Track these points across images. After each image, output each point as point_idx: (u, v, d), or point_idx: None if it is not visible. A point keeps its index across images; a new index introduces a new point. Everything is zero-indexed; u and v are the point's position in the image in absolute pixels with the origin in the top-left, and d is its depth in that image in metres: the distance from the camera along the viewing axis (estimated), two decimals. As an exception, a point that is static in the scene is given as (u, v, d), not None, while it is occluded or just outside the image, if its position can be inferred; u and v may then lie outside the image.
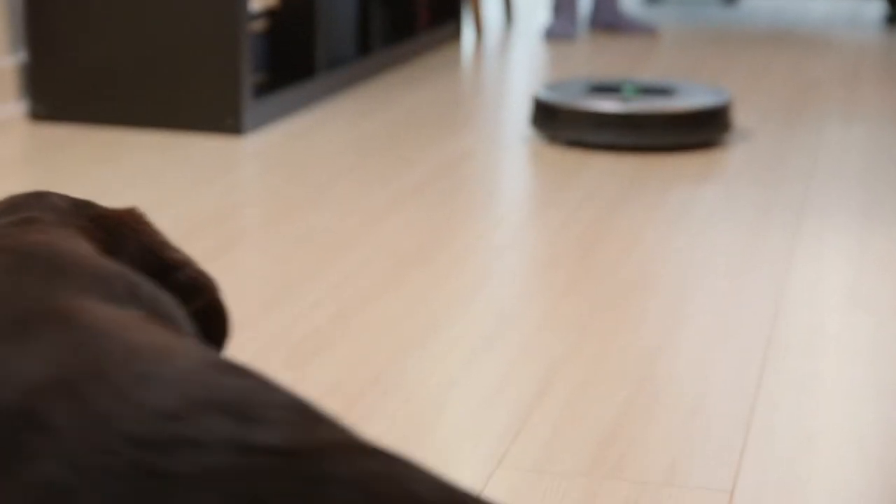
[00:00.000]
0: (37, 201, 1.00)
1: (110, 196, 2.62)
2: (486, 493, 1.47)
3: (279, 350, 1.88)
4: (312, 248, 2.32)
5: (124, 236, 1.00)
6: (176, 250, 1.03)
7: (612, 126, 3.07)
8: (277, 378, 1.78)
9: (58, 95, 3.22)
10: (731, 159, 3.07)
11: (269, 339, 1.92)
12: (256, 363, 1.83)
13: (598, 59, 4.38)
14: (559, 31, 4.71)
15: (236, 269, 2.21)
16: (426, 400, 1.72)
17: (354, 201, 2.61)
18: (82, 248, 0.92)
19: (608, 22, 4.89)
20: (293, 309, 2.04)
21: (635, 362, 1.84)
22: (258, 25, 3.48)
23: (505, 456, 1.57)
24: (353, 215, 2.51)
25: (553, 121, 3.12)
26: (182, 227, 2.43)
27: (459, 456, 1.57)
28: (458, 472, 1.53)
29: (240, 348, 1.88)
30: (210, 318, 1.00)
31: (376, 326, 1.97)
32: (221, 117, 3.15)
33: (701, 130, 3.11)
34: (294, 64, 3.58)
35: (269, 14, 3.55)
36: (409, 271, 2.21)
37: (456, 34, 4.65)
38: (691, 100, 3.17)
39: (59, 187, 2.67)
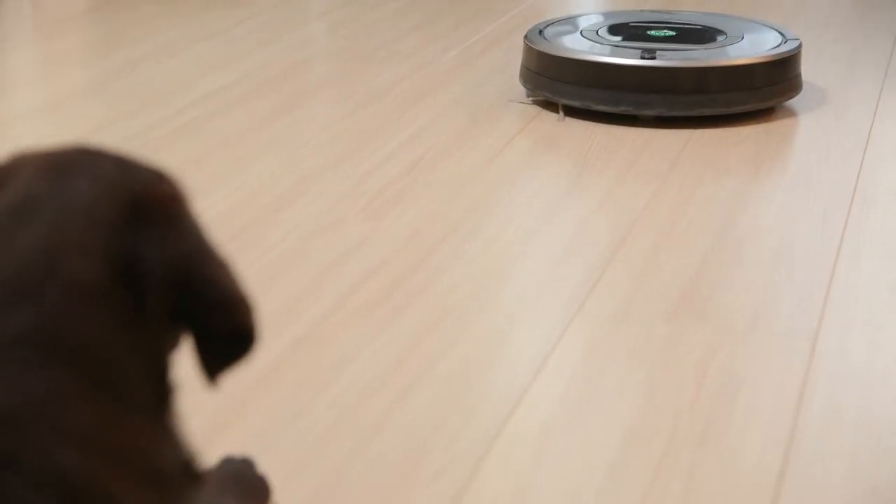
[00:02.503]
0: (50, 193, 0.91)
1: (176, 53, 2.61)
2: (565, 342, 1.47)
3: (355, 202, 1.88)
4: (383, 102, 2.31)
5: (149, 239, 0.92)
6: (212, 259, 0.95)
7: (633, 87, 2.20)
8: (355, 230, 1.78)
9: (120, -45, 3.16)
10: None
11: (344, 192, 1.91)
12: (333, 215, 1.83)
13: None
14: None
15: (307, 123, 2.20)
16: (504, 250, 1.72)
17: (423, 58, 2.58)
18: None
19: None
20: (366, 163, 2.03)
21: (717, 212, 1.83)
22: None
23: (584, 304, 1.56)
24: (423, 71, 2.49)
25: (548, 78, 2.26)
26: (250, 83, 2.42)
27: (538, 305, 1.57)
28: (537, 321, 1.53)
29: (315, 199, 1.88)
30: (233, 340, 0.95)
31: (452, 179, 1.96)
32: (285, -24, 3.08)
33: (757, 92, 2.22)
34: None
35: None
36: (482, 126, 2.19)
37: None
38: (743, 48, 2.28)
39: (123, 45, 2.66)
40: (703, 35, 2.38)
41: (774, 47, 2.28)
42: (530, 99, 2.31)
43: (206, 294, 0.93)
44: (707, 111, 2.20)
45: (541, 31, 2.39)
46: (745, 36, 2.35)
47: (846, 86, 2.40)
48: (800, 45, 2.30)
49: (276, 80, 2.44)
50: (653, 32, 2.38)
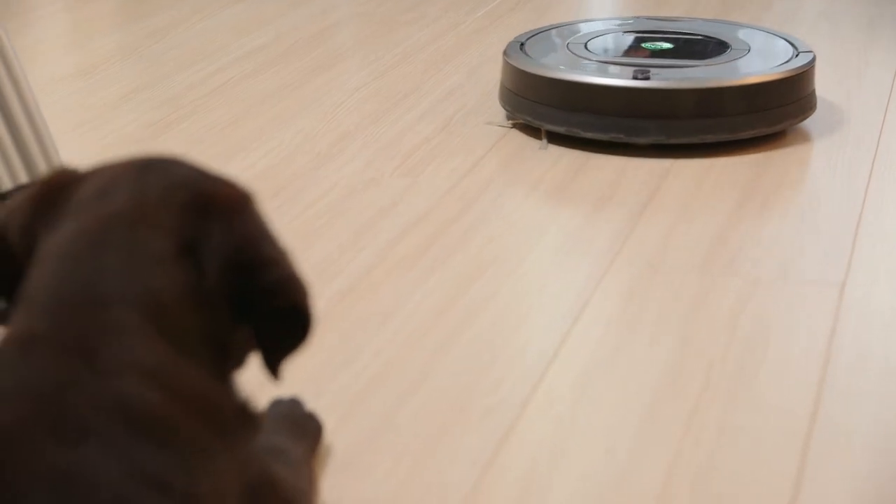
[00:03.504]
0: (132, 182, 0.99)
1: (207, 16, 2.66)
2: (601, 292, 1.53)
3: (392, 159, 1.93)
4: (414, 63, 2.36)
5: (215, 226, 0.98)
6: (273, 244, 1.01)
7: (624, 111, 1.94)
8: (393, 186, 1.83)
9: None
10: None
11: (380, 150, 1.96)
12: (371, 172, 1.88)
13: None
14: None
15: (341, 84, 2.25)
16: (536, 203, 1.77)
17: (451, 19, 2.63)
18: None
19: None
20: (401, 121, 2.08)
21: (745, 168, 1.88)
22: None
23: (617, 256, 1.61)
24: (452, 32, 2.54)
25: (529, 100, 2.01)
26: (282, 45, 2.47)
27: (571, 258, 1.62)
28: (572, 272, 1.58)
29: (352, 157, 1.93)
30: (291, 321, 1.01)
31: (485, 136, 2.01)
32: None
33: (766, 115, 1.96)
34: None
35: None
36: (511, 85, 2.24)
37: None
38: (750, 63, 2.02)
39: (155, 10, 2.71)
40: (703, 48, 2.10)
41: (785, 62, 2.01)
42: (510, 122, 2.06)
43: (265, 275, 0.99)
44: (710, 137, 1.93)
45: (521, 45, 2.11)
46: (751, 48, 2.08)
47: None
48: (814, 59, 2.03)
49: (307, 41, 2.49)
50: (647, 45, 2.11)
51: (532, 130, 2.01)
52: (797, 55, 2.04)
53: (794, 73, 1.98)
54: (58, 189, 0.99)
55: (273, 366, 1.02)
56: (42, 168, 1.43)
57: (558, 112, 1.96)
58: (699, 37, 2.14)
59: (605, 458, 1.22)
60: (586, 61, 2.03)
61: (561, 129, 1.96)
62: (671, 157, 1.90)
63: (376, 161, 1.92)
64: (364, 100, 2.18)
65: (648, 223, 1.70)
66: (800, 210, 1.74)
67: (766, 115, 1.95)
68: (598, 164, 1.90)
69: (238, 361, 1.02)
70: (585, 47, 2.10)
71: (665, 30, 2.18)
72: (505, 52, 2.07)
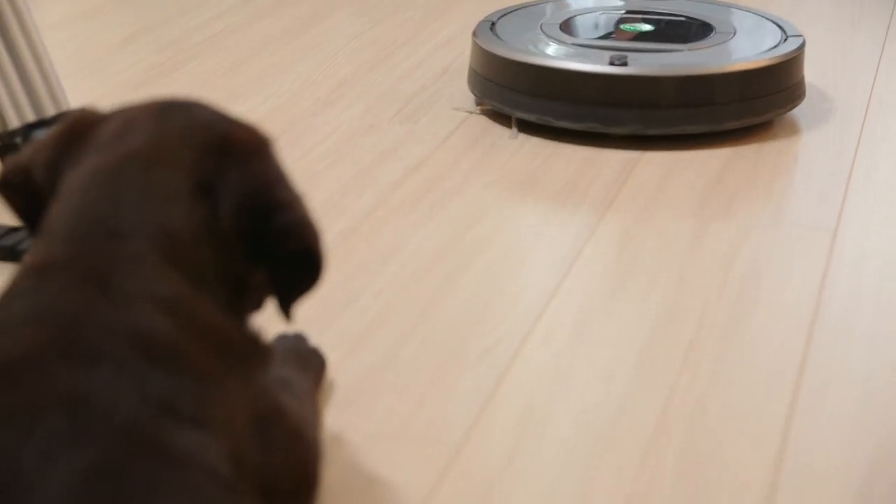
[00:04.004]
0: (153, 122, 1.02)
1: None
2: (598, 235, 1.55)
3: (390, 106, 1.95)
4: (411, 12, 2.38)
5: (232, 166, 1.01)
6: (288, 188, 1.03)
7: (600, 99, 1.81)
8: (392, 132, 1.86)
9: None
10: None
11: (379, 96, 1.99)
12: (370, 118, 1.91)
13: None
14: None
15: (338, 31, 2.27)
16: (536, 149, 1.79)
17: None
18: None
19: None
20: (399, 69, 2.10)
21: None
22: None
23: (615, 200, 1.64)
24: (448, -19, 2.56)
25: (498, 85, 1.88)
26: (282, -8, 2.49)
27: (570, 201, 1.65)
28: (570, 215, 1.61)
29: (352, 103, 1.96)
30: (303, 265, 1.03)
31: (481, 84, 2.04)
32: None
33: (752, 105, 1.83)
34: None
35: None
36: (508, 33, 2.26)
37: None
38: (735, 48, 1.89)
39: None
40: (686, 30, 1.96)
41: (773, 47, 1.88)
42: (478, 108, 1.94)
43: (278, 218, 1.01)
44: (691, 128, 1.81)
45: (492, 25, 1.98)
46: (736, 31, 1.94)
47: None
48: (803, 44, 1.90)
49: (305, -11, 2.51)
50: (626, 27, 1.97)
51: (502, 117, 1.91)
52: (786, 40, 1.91)
53: (782, 60, 1.85)
54: (82, 128, 1.02)
55: (285, 307, 1.05)
56: (49, 109, 1.45)
57: (529, 99, 1.83)
58: (682, 18, 2.00)
59: (602, 395, 1.25)
60: (560, 44, 1.90)
61: (532, 118, 1.84)
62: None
63: (375, 107, 1.94)
64: (362, 47, 2.20)
65: (643, 170, 1.73)
66: (792, 158, 1.77)
67: (752, 105, 1.82)
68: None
69: (253, 303, 1.05)
70: (560, 28, 1.96)
71: (646, 10, 2.04)
72: (474, 33, 1.94)
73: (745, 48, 1.88)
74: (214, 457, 0.85)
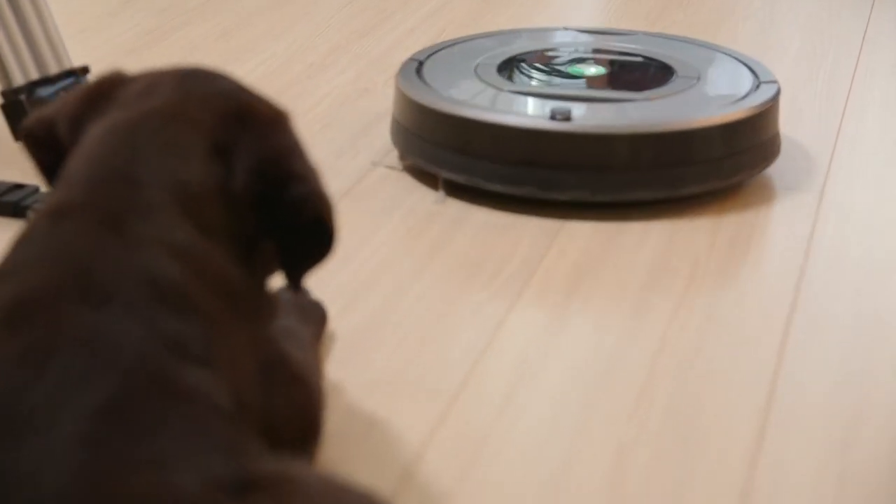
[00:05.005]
0: (176, 85, 1.05)
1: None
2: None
3: (384, 71, 1.98)
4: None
5: (249, 135, 1.04)
6: (303, 160, 1.06)
7: (539, 159, 1.54)
8: (385, 96, 1.88)
9: None
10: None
11: (371, 62, 2.01)
12: (363, 83, 1.93)
13: None
14: None
15: (328, 0, 2.30)
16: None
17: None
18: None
19: None
20: (390, 36, 2.13)
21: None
22: None
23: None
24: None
25: (423, 140, 1.60)
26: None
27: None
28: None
29: (344, 69, 1.98)
30: (315, 236, 1.06)
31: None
32: None
33: (718, 166, 1.56)
34: None
35: None
36: (498, 2, 2.28)
37: None
38: (699, 99, 1.61)
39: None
40: (642, 74, 1.69)
41: (743, 97, 1.61)
42: (401, 164, 1.67)
43: (291, 188, 1.04)
44: (644, 194, 1.54)
45: (419, 66, 1.69)
46: (700, 76, 1.66)
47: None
48: (778, 92, 1.64)
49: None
50: (574, 69, 1.69)
51: (428, 177, 1.63)
52: (758, 87, 1.64)
53: (753, 113, 1.58)
54: (108, 87, 1.06)
55: (295, 277, 1.08)
56: (52, 67, 1.47)
57: (457, 157, 1.54)
58: (639, 59, 1.73)
59: (594, 345, 1.28)
60: (496, 91, 1.62)
61: (460, 179, 1.57)
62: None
63: (368, 72, 1.97)
64: (354, 14, 2.22)
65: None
66: (781, 120, 1.80)
67: (717, 166, 1.56)
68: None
69: (262, 270, 1.07)
70: (497, 71, 1.68)
71: (598, 48, 1.77)
72: (398, 75, 1.67)
73: (710, 98, 1.61)
74: (219, 395, 0.88)
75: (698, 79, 1.66)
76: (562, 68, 1.70)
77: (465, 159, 1.55)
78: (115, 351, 0.84)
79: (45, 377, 0.81)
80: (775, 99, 1.62)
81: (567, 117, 1.53)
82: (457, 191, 1.59)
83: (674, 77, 1.66)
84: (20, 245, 0.94)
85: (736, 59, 1.73)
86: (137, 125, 1.01)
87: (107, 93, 1.05)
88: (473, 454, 1.12)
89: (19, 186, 1.54)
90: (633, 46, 1.77)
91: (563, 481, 1.09)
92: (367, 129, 1.77)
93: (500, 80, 1.64)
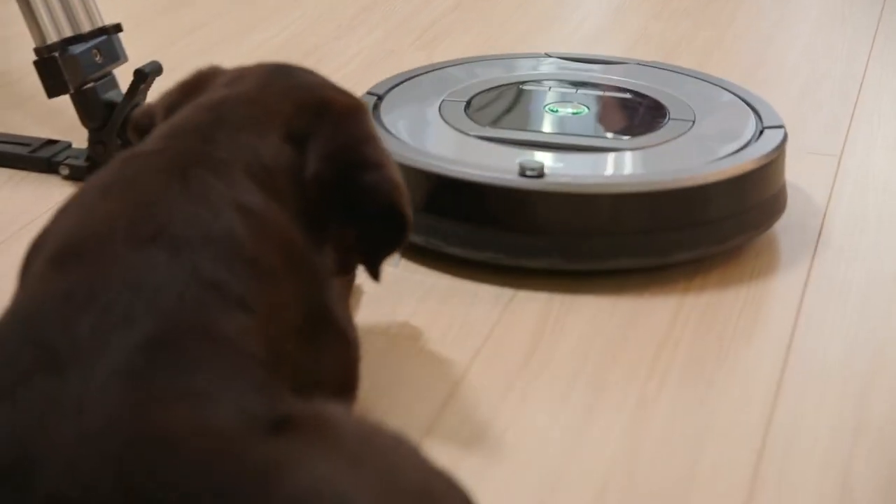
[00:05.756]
0: (262, 77, 1.10)
1: None
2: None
3: (409, 33, 2.00)
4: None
5: (325, 124, 1.07)
6: (379, 149, 1.09)
7: (507, 221, 1.32)
8: (412, 57, 1.91)
9: None
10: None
11: (397, 24, 2.03)
12: (390, 44, 1.95)
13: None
14: None
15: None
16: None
17: None
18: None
19: None
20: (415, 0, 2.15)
21: (749, 47, 1.95)
22: None
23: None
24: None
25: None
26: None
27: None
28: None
29: (371, 30, 2.00)
30: (389, 223, 1.09)
31: (499, 12, 2.08)
32: None
33: (714, 228, 1.34)
34: None
35: None
36: (524, -34, 2.30)
37: None
38: (693, 148, 1.38)
39: None
40: (631, 116, 1.47)
41: (744, 146, 1.39)
42: None
43: (367, 175, 1.07)
44: (628, 262, 1.33)
45: (378, 101, 1.47)
46: (696, 118, 1.44)
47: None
48: (785, 138, 1.41)
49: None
50: (554, 109, 1.46)
51: None
52: (761, 133, 1.42)
53: (755, 167, 1.36)
54: (203, 79, 1.12)
55: (373, 266, 1.11)
56: (85, 25, 1.50)
57: (416, 214, 1.16)
58: (628, 95, 1.51)
59: (614, 301, 1.30)
60: (461, 135, 1.40)
61: (418, 240, 1.34)
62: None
63: (395, 34, 1.99)
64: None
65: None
66: (799, 89, 1.81)
67: (711, 230, 1.34)
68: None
69: (330, 254, 1.07)
70: (465, 110, 1.45)
71: (585, 80, 1.55)
72: None
73: (706, 147, 1.38)
74: (254, 343, 0.90)
75: (693, 122, 1.44)
76: (540, 106, 1.48)
77: (424, 218, 1.33)
78: (157, 292, 0.86)
79: (88, 314, 0.83)
80: (782, 144, 1.40)
81: (540, 174, 1.30)
82: (414, 253, 1.36)
83: (666, 119, 1.44)
84: (92, 179, 0.98)
85: (737, 95, 1.51)
86: (221, 103, 1.06)
87: (201, 84, 1.11)
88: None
89: (52, 142, 1.57)
90: (622, 78, 1.55)
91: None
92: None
93: (468, 122, 1.43)
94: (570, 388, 1.17)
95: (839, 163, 1.61)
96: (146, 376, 0.80)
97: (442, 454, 1.06)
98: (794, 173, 1.56)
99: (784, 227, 1.44)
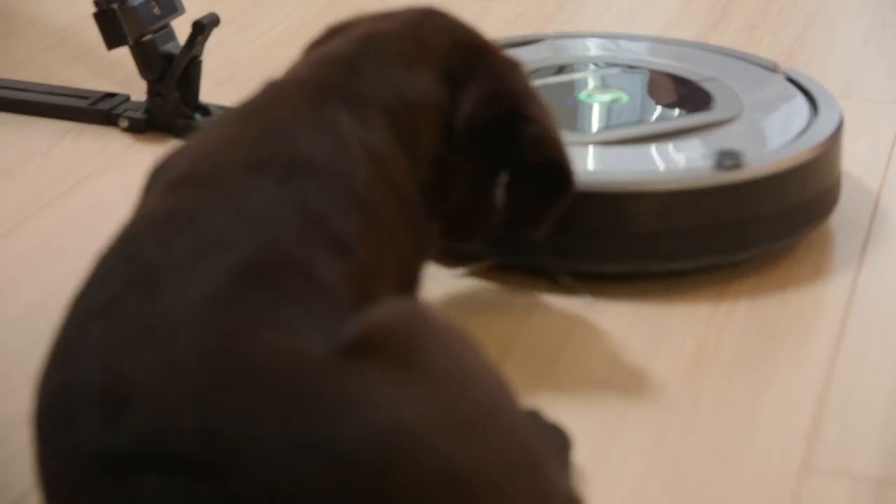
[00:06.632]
0: (413, 15, 1.07)
1: None
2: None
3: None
4: None
5: (486, 69, 1.05)
6: (538, 104, 1.06)
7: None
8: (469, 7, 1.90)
9: None
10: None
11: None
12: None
13: None
14: None
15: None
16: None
17: None
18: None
19: None
20: None
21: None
22: None
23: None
24: None
25: None
26: None
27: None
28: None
29: None
30: (550, 175, 1.08)
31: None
32: None
33: (765, 227, 1.23)
34: None
35: None
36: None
37: None
38: (743, 138, 1.26)
39: None
40: (672, 104, 1.35)
41: (798, 135, 1.27)
42: None
43: (527, 127, 1.05)
44: (675, 264, 1.22)
45: None
46: (743, 108, 1.31)
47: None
48: (841, 122, 1.30)
49: None
50: (587, 96, 1.34)
51: None
52: (816, 118, 1.30)
53: (810, 158, 1.24)
54: (349, 23, 1.09)
55: (535, 222, 1.10)
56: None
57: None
58: (669, 79, 1.38)
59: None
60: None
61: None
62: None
63: None
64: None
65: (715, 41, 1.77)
66: (863, 35, 1.79)
67: (763, 227, 1.23)
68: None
69: (436, 210, 1.05)
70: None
71: (622, 61, 1.42)
72: None
73: (753, 138, 1.27)
74: (347, 285, 0.87)
75: (740, 112, 1.31)
76: (573, 93, 1.36)
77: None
78: (257, 218, 0.86)
79: (186, 235, 0.84)
80: (838, 129, 1.29)
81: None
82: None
83: (710, 106, 1.32)
84: (228, 109, 0.99)
85: (789, 78, 1.40)
86: (372, 35, 1.04)
87: (347, 27, 1.08)
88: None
89: (110, 95, 1.58)
90: (655, 56, 1.44)
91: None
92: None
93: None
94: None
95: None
96: (236, 302, 0.80)
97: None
98: (855, 122, 1.55)
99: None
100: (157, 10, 1.51)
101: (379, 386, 0.77)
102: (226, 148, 0.93)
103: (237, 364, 0.77)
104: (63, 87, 1.61)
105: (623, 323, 1.18)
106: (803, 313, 1.20)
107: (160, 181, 0.93)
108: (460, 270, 1.22)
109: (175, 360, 0.77)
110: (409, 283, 1.00)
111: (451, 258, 1.19)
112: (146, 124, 1.52)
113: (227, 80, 1.64)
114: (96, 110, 1.55)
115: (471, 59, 1.05)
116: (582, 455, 1.00)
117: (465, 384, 0.80)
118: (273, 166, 0.90)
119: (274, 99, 0.98)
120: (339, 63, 1.01)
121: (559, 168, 1.08)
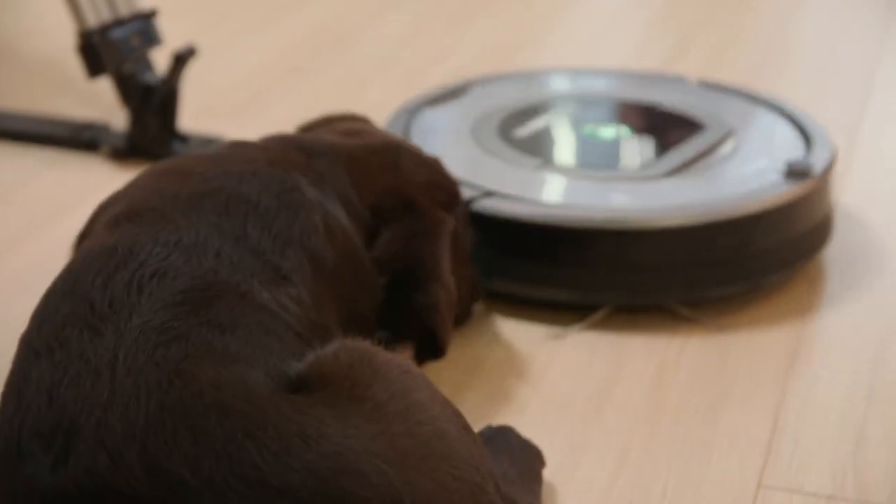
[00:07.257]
0: (380, 138, 1.16)
1: None
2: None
3: (437, 15, 2.03)
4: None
5: (407, 220, 1.11)
6: (439, 273, 1.10)
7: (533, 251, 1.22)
8: (439, 43, 1.94)
9: None
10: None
11: (420, 12, 2.06)
12: (415, 28, 1.99)
13: None
14: None
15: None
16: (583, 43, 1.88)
17: None
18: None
19: None
20: None
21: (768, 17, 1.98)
22: None
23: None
24: None
25: None
26: None
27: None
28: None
29: (396, 19, 2.04)
30: (425, 339, 1.11)
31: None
32: None
33: (754, 264, 1.24)
34: None
35: None
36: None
37: None
38: (731, 173, 1.28)
39: None
40: (664, 135, 1.35)
41: (792, 170, 1.26)
42: None
43: (420, 293, 1.09)
44: (659, 297, 1.23)
45: (408, 119, 1.40)
46: (732, 135, 1.34)
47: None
48: (834, 157, 1.29)
49: None
50: (589, 129, 1.37)
51: None
52: (809, 151, 1.31)
53: (800, 195, 1.23)
54: (332, 120, 1.21)
55: (396, 339, 1.14)
56: (124, 10, 1.55)
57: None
58: (663, 113, 1.40)
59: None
60: (498, 161, 1.31)
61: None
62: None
63: (419, 21, 2.02)
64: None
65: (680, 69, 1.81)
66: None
67: (747, 265, 1.23)
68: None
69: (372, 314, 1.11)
70: (498, 132, 1.37)
71: (616, 96, 1.45)
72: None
73: (744, 170, 1.27)
74: (292, 313, 0.92)
75: (729, 137, 1.34)
76: (578, 126, 1.38)
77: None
78: (196, 250, 0.90)
79: (126, 269, 0.87)
80: (830, 164, 1.28)
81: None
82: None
83: (701, 133, 1.34)
84: (182, 156, 1.06)
85: (773, 105, 1.40)
86: (340, 148, 1.11)
87: (331, 122, 1.20)
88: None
89: (90, 125, 1.61)
90: (640, 92, 1.45)
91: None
92: (422, 71, 1.83)
93: (505, 145, 1.34)
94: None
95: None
96: (175, 336, 0.82)
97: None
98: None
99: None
100: (135, 42, 1.55)
101: (324, 420, 0.79)
102: (171, 184, 0.97)
103: (180, 399, 0.78)
104: (46, 117, 1.65)
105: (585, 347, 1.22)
106: (760, 336, 1.23)
107: (104, 217, 0.96)
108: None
109: (118, 396, 0.78)
110: (363, 332, 1.02)
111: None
112: (128, 151, 1.55)
113: (205, 110, 1.68)
114: (78, 139, 1.58)
115: (399, 209, 1.11)
116: (549, 471, 1.04)
117: (409, 418, 0.82)
118: (215, 200, 0.95)
119: (234, 151, 1.04)
120: (301, 149, 1.09)
121: (436, 344, 1.12)
